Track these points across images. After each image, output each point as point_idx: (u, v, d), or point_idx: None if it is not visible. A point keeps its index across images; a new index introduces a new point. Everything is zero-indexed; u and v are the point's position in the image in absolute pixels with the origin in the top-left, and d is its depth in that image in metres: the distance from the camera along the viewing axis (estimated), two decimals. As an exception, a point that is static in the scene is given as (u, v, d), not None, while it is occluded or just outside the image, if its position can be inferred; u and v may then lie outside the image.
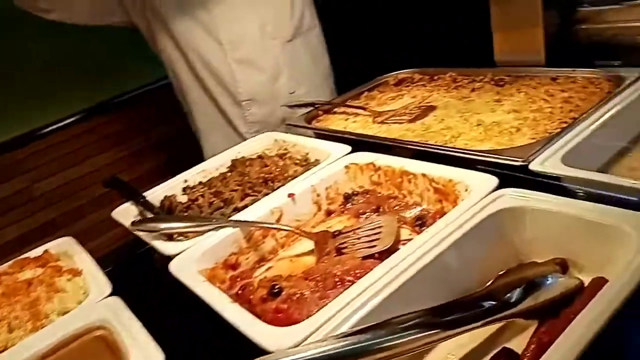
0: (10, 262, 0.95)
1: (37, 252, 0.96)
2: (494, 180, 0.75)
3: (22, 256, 0.96)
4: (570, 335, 0.47)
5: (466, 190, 0.78)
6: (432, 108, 1.16)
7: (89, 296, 0.81)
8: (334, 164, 1.00)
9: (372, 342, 0.49)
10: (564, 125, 0.89)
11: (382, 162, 0.95)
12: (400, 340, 0.50)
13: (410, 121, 1.12)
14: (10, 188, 2.19)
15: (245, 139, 1.36)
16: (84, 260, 0.92)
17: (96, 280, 0.83)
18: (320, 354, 0.48)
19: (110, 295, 0.78)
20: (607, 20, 1.18)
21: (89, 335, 0.74)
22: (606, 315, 0.48)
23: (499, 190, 0.72)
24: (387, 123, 1.16)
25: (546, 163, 0.76)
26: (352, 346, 0.49)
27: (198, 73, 1.56)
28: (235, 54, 1.52)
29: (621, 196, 0.65)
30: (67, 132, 2.27)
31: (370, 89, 1.44)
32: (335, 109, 1.37)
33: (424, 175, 0.87)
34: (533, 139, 0.89)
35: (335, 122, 1.30)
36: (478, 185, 0.76)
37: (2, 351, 0.74)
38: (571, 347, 0.46)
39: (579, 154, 0.78)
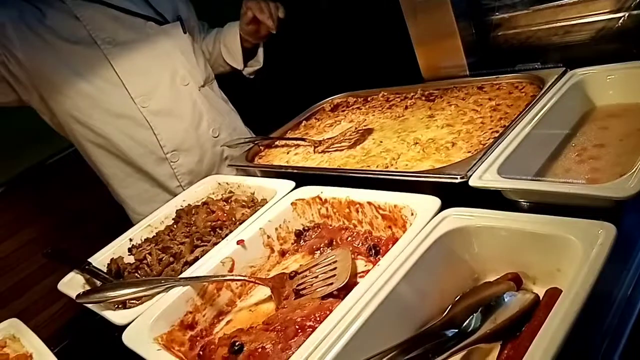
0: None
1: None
2: (436, 202, 0.75)
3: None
4: (535, 355, 0.48)
5: (412, 214, 0.78)
6: (369, 131, 1.17)
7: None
8: (279, 202, 0.98)
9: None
10: (496, 134, 0.91)
11: (328, 194, 0.94)
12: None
13: (350, 147, 1.13)
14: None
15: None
16: (32, 343, 0.87)
17: (47, 364, 0.79)
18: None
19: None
20: (520, 24, 1.24)
21: None
22: (564, 330, 0.49)
23: (444, 212, 0.72)
24: (329, 151, 1.16)
25: (484, 177, 0.77)
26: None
27: (110, 139, 1.42)
28: (150, 106, 1.43)
29: (561, 202, 0.67)
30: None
31: (308, 117, 1.45)
32: (276, 143, 1.36)
33: (369, 203, 0.87)
34: (469, 152, 0.90)
35: (278, 156, 1.29)
36: (422, 208, 0.76)
37: None
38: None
39: (514, 163, 0.79)
